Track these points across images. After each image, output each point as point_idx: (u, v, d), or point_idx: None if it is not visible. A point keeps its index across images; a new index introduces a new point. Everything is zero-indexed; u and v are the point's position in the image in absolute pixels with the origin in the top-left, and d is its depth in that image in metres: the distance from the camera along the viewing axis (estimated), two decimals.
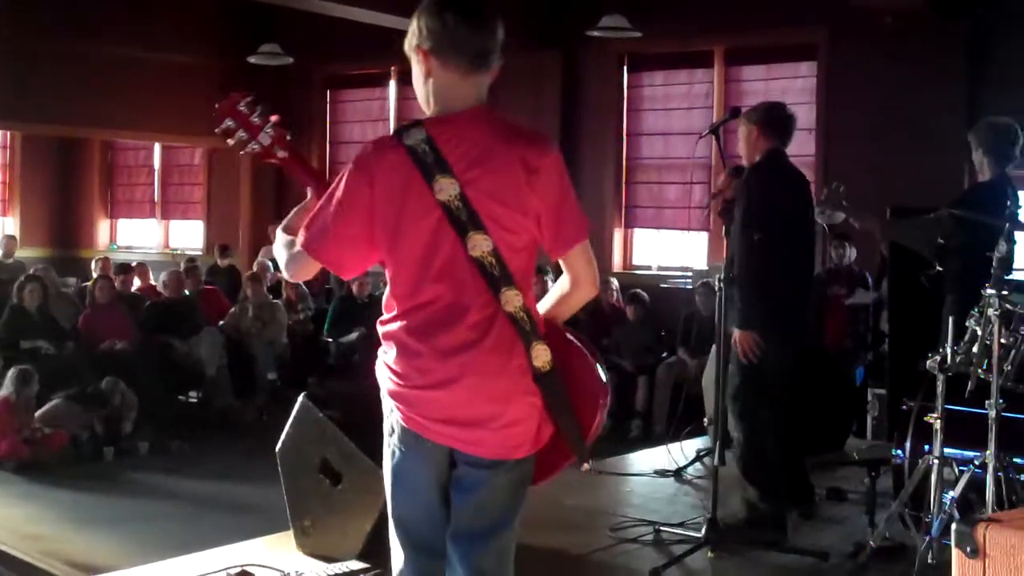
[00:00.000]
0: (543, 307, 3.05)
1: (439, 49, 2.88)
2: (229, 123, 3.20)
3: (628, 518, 5.90)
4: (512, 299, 2.85)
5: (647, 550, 5.47)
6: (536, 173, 2.87)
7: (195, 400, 11.48)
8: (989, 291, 4.62)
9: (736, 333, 5.58)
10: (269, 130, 3.20)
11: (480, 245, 2.83)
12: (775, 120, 5.79)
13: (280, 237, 3.07)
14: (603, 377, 3.06)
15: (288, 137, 3.24)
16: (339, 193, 2.87)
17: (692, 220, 11.87)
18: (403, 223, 2.84)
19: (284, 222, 3.11)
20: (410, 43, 2.94)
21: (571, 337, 3.07)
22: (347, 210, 2.86)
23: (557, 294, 3.06)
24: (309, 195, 3.12)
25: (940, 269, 5.88)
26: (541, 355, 2.89)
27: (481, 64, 2.90)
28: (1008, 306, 4.65)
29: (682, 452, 7.16)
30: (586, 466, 3.01)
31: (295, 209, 3.14)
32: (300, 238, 2.94)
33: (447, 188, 2.81)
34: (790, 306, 5.70)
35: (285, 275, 3.13)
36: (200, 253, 15.83)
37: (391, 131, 3.24)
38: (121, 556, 6.42)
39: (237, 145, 3.22)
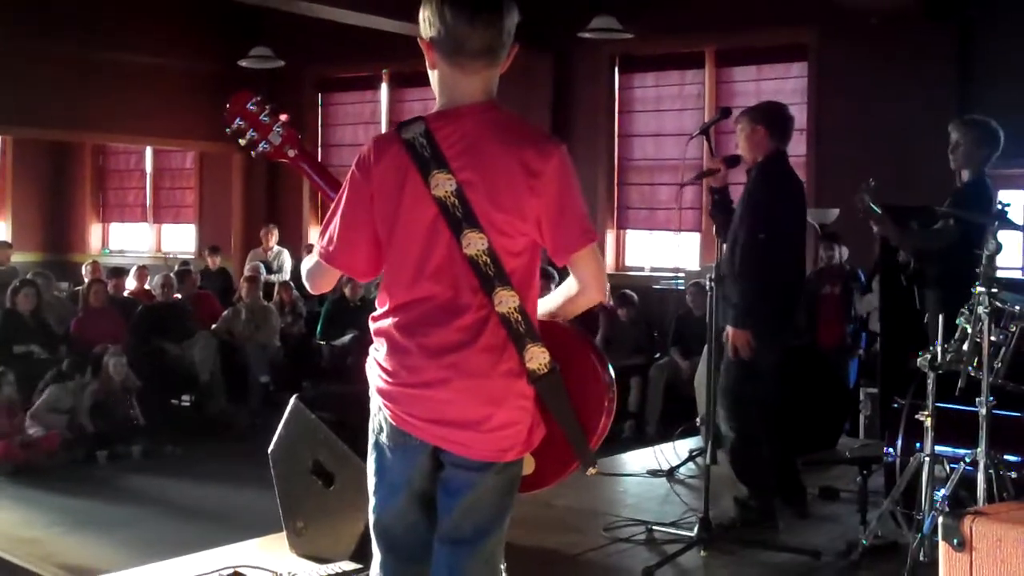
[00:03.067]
0: (547, 304, 3.00)
1: (441, 44, 2.81)
2: (239, 123, 3.18)
3: (621, 518, 5.90)
4: (506, 299, 2.78)
5: (640, 549, 5.47)
6: (538, 177, 2.79)
7: (188, 404, 11.49)
8: (979, 288, 4.64)
9: (730, 330, 5.60)
10: (279, 129, 3.18)
11: (475, 243, 2.76)
12: (781, 121, 5.84)
13: (306, 260, 3.04)
14: (608, 379, 2.99)
15: (298, 136, 3.22)
16: (344, 196, 2.85)
17: (684, 221, 11.89)
18: (399, 218, 2.80)
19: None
20: (419, 31, 2.87)
21: (576, 337, 3.02)
22: (351, 212, 2.84)
23: (563, 295, 2.99)
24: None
25: (916, 266, 5.91)
26: (537, 357, 2.82)
27: (484, 59, 2.81)
28: (998, 304, 4.67)
29: (675, 452, 7.17)
30: (592, 471, 2.94)
31: None
32: (315, 248, 2.93)
33: (443, 184, 2.76)
34: (784, 306, 5.74)
35: (309, 289, 3.08)
36: (192, 257, 15.84)
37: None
38: (114, 559, 6.42)
39: (248, 145, 3.20)
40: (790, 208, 5.75)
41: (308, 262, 3.01)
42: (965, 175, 5.96)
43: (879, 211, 5.92)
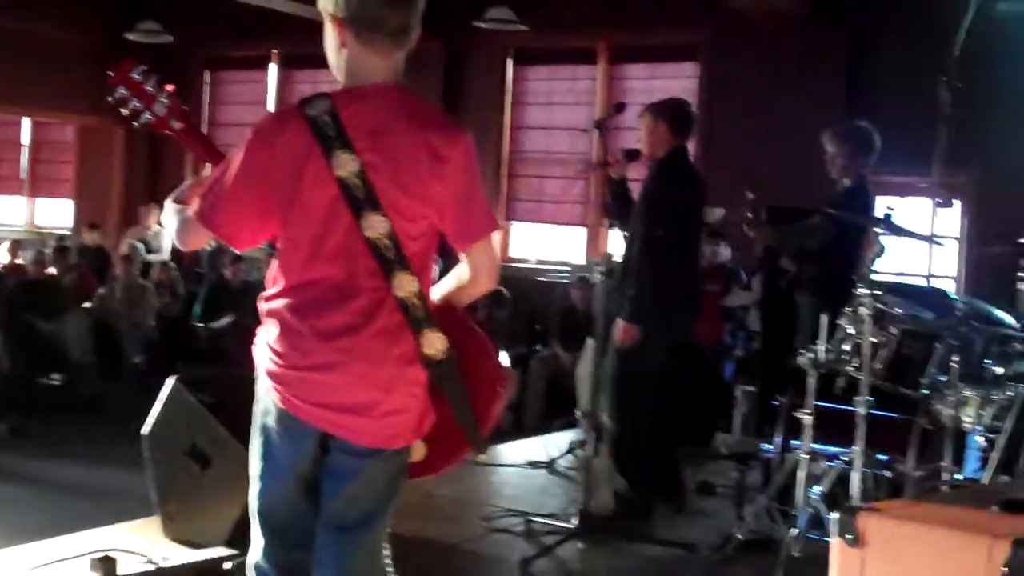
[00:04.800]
0: (438, 290, 2.98)
1: (355, 22, 2.76)
2: (122, 92, 3.11)
3: (499, 508, 5.90)
4: (406, 284, 2.75)
5: (518, 540, 5.47)
6: (444, 162, 2.78)
7: (58, 383, 11.20)
8: (862, 290, 4.71)
9: (620, 323, 5.61)
10: (164, 100, 3.10)
11: (376, 226, 2.72)
12: (684, 118, 5.90)
13: (170, 207, 2.99)
14: (502, 366, 3.00)
15: (184, 108, 3.14)
16: (236, 162, 2.77)
17: (571, 215, 11.95)
18: (299, 196, 2.74)
19: (176, 193, 3.03)
20: (324, 6, 2.82)
21: (470, 323, 3.00)
22: (244, 180, 2.75)
23: (454, 283, 2.98)
24: (207, 170, 3.03)
25: (794, 272, 6.00)
26: (434, 343, 2.80)
27: (399, 40, 2.80)
28: (880, 306, 4.75)
29: (554, 444, 7.18)
30: (483, 456, 2.97)
31: (189, 182, 3.06)
32: (194, 206, 2.85)
33: (347, 164, 2.71)
34: (677, 303, 5.76)
35: (176, 243, 3.02)
36: (69, 232, 15.46)
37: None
38: None
39: (131, 116, 3.12)
40: (688, 206, 5.79)
41: (178, 217, 2.93)
42: (846, 182, 6.03)
43: (753, 218, 6.00)
